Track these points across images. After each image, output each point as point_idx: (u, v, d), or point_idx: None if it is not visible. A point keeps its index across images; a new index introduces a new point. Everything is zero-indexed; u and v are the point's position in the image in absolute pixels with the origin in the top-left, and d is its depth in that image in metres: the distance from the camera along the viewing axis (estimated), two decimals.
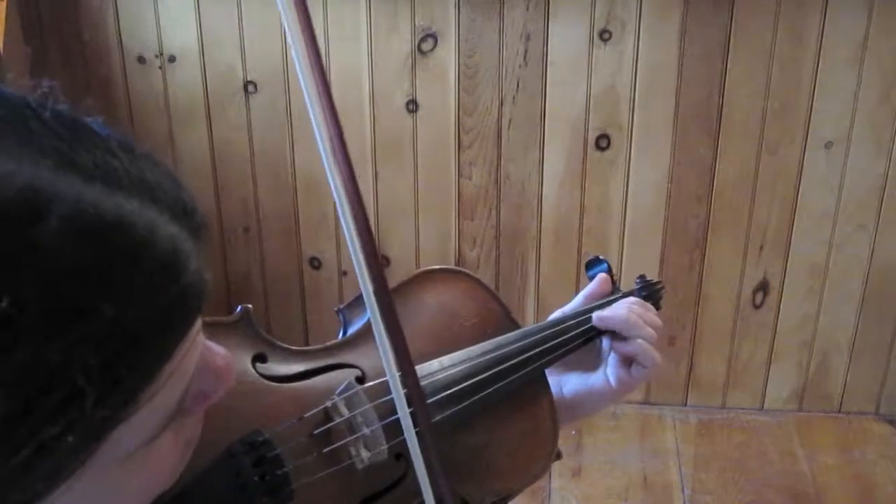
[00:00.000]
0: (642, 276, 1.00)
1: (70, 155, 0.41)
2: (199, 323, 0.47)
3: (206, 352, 0.51)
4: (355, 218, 0.62)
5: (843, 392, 2.52)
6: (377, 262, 0.63)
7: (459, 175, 2.38)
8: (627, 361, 0.89)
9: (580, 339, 0.90)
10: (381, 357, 0.64)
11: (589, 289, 0.95)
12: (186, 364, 0.46)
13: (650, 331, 0.89)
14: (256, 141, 2.40)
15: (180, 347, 0.45)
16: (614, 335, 0.90)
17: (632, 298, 0.93)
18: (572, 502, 2.26)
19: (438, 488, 0.65)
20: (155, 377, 0.43)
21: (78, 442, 0.41)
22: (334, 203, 2.26)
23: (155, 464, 0.49)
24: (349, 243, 0.62)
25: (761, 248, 2.38)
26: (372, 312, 0.64)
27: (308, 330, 2.59)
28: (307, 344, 0.78)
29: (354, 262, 0.63)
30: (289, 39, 0.62)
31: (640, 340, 0.88)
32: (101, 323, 0.39)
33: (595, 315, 0.90)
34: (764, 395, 2.55)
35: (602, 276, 0.96)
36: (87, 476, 0.44)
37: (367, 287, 0.63)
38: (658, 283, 1.01)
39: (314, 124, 0.63)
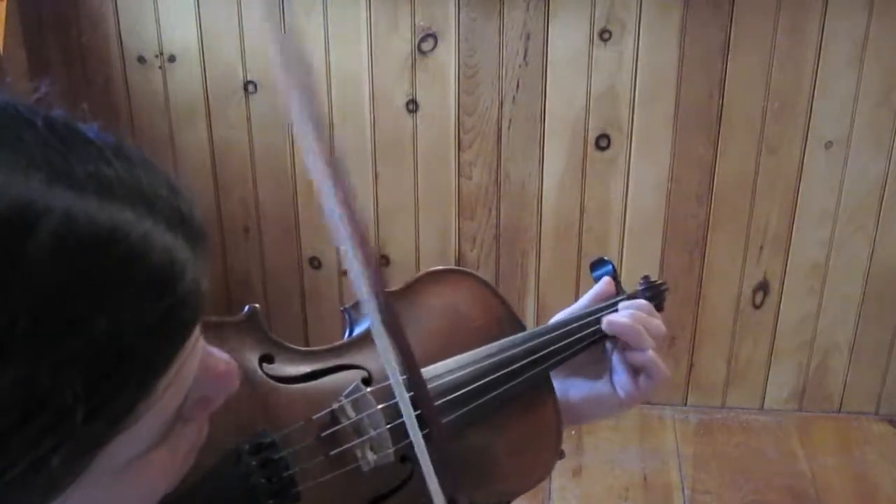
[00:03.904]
0: (646, 277, 1.00)
1: (62, 166, 0.40)
2: (196, 332, 0.46)
3: (207, 358, 0.50)
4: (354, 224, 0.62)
5: (843, 392, 2.53)
6: (378, 272, 0.63)
7: (459, 175, 2.38)
8: (635, 372, 0.89)
9: (586, 342, 0.89)
10: (384, 361, 0.64)
11: (594, 290, 0.95)
12: (184, 374, 0.46)
13: (653, 342, 0.88)
14: (256, 141, 2.40)
15: (177, 359, 0.44)
16: (620, 342, 0.89)
17: (638, 302, 0.91)
18: (572, 502, 2.26)
19: (445, 490, 0.65)
20: (151, 390, 0.43)
21: (73, 455, 0.41)
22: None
23: (153, 473, 0.48)
24: (348, 252, 0.62)
25: (761, 248, 2.38)
26: (374, 324, 0.63)
27: (308, 330, 2.59)
28: (307, 344, 0.77)
29: (352, 273, 0.63)
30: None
31: (650, 352, 0.87)
32: (94, 337, 0.39)
33: (605, 320, 0.89)
34: (764, 395, 2.55)
35: (607, 278, 0.96)
36: (84, 487, 0.43)
37: (366, 296, 0.63)
38: (662, 283, 1.00)
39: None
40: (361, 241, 0.62)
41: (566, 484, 2.30)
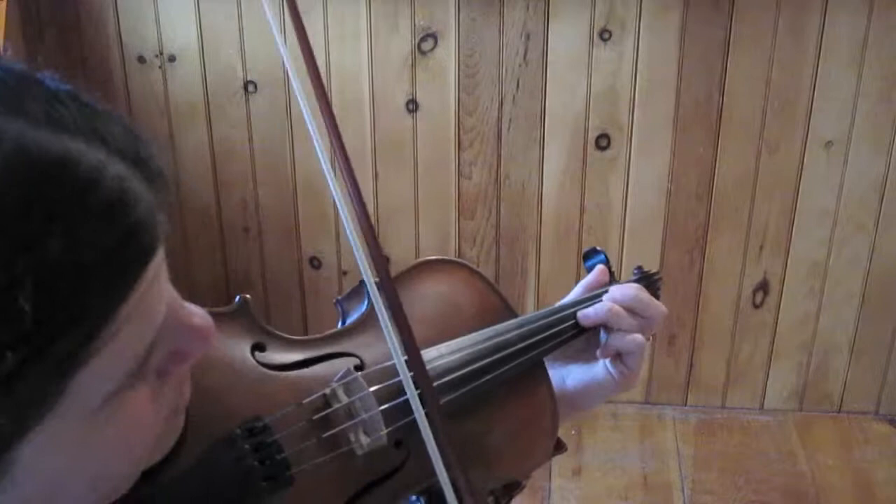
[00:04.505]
0: (639, 267, 1.00)
1: (15, 101, 0.42)
2: (157, 262, 0.47)
3: (181, 310, 0.51)
4: (355, 201, 0.63)
5: (843, 392, 2.52)
6: (379, 249, 0.64)
7: (459, 175, 2.38)
8: (619, 353, 0.89)
9: (577, 329, 0.90)
10: (385, 335, 0.64)
11: (587, 280, 0.95)
12: (147, 307, 0.46)
13: (633, 322, 0.88)
14: (256, 141, 2.40)
15: (136, 286, 0.45)
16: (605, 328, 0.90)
17: (618, 290, 0.91)
18: (572, 502, 2.26)
19: (447, 469, 0.65)
20: (111, 315, 0.44)
21: (40, 379, 0.42)
22: (334, 203, 2.25)
23: (130, 422, 0.49)
24: (346, 226, 0.62)
25: (761, 247, 2.38)
26: (375, 298, 0.64)
27: (308, 329, 2.59)
28: None
29: (354, 249, 0.64)
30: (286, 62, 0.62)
31: (617, 333, 0.88)
32: (49, 257, 0.40)
33: (580, 314, 0.90)
34: (764, 395, 2.55)
35: (600, 266, 0.96)
36: (59, 422, 0.44)
37: (368, 274, 0.63)
38: (655, 273, 1.01)
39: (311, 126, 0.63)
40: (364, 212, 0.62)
41: (566, 484, 2.30)
